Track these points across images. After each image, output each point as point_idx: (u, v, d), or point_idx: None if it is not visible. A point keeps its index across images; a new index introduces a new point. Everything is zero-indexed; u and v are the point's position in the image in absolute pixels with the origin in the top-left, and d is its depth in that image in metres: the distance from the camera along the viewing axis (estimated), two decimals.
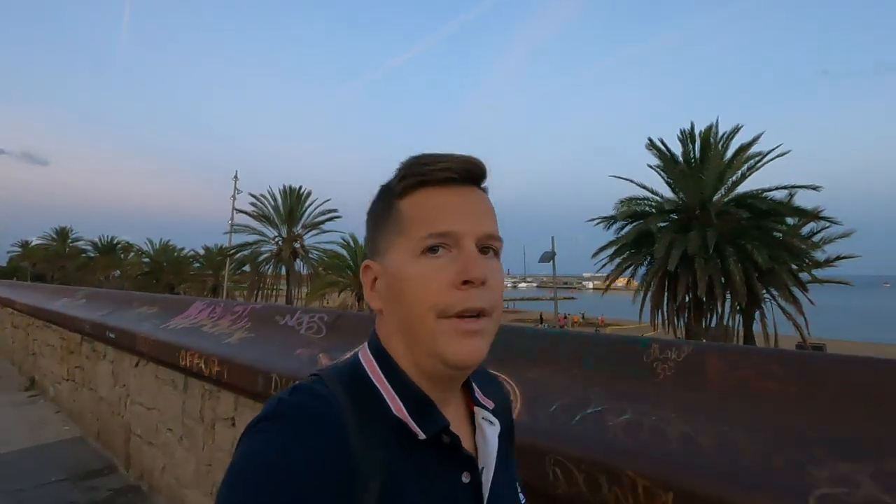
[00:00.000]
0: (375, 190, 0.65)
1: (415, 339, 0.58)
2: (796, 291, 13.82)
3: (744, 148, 14.63)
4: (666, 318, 15.39)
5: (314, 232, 28.07)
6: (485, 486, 0.59)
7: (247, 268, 28.23)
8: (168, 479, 3.08)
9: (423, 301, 0.56)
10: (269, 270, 27.51)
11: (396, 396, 0.58)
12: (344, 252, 25.41)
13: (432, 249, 0.57)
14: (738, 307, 14.93)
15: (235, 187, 30.95)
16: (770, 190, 14.31)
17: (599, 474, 1.06)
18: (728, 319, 15.21)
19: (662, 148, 15.48)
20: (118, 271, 39.94)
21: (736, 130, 14.71)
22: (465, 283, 0.55)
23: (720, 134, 15.12)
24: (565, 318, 44.34)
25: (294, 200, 27.71)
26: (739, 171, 14.80)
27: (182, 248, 38.54)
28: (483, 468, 0.61)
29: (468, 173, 0.60)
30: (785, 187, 14.12)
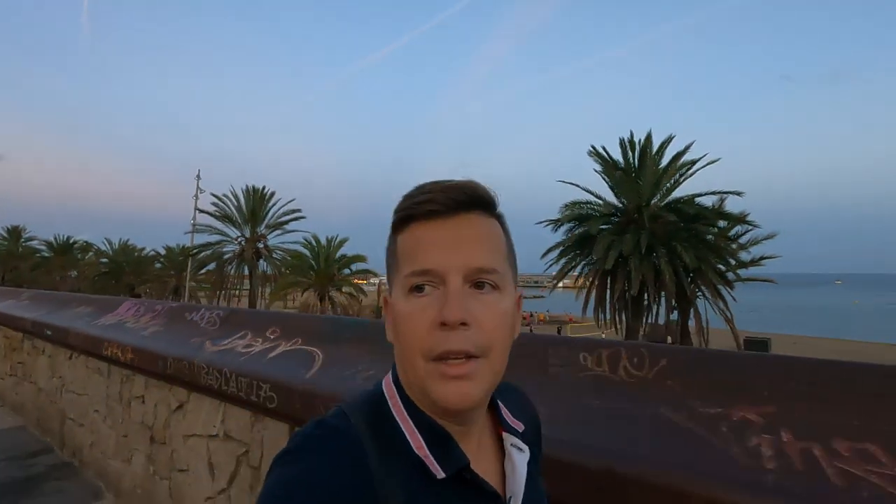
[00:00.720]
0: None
1: (410, 376, 0.57)
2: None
3: (678, 156, 15.78)
4: (608, 315, 16.40)
5: (278, 232, 28.24)
6: None
7: (211, 267, 28.12)
8: (95, 454, 3.58)
9: (410, 341, 0.55)
10: (232, 271, 27.51)
11: (416, 432, 0.57)
12: (307, 252, 25.70)
13: (419, 288, 0.56)
14: (673, 305, 16.06)
15: (198, 186, 30.72)
16: (701, 195, 15.49)
17: None
18: (665, 316, 16.34)
19: (604, 155, 16.48)
20: (75, 272, 38.93)
21: (669, 140, 15.85)
22: (443, 324, 0.53)
23: (660, 142, 16.24)
24: (531, 315, 45.53)
25: (257, 200, 27.76)
26: (675, 178, 15.96)
27: (143, 248, 37.86)
28: (511, 497, 0.60)
29: (456, 203, 0.57)
30: (713, 193, 15.33)
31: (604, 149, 16.44)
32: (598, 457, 1.12)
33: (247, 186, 27.85)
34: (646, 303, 15.86)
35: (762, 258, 16.12)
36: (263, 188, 27.90)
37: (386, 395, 0.61)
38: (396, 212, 0.59)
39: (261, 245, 27.63)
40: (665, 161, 15.81)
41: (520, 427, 0.66)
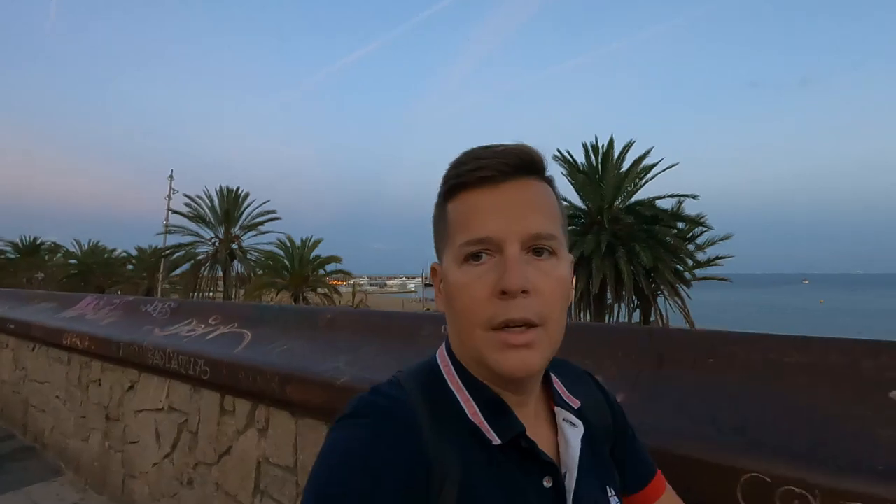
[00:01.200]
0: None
1: (466, 347, 0.57)
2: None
3: (638, 160, 16.49)
4: (572, 313, 17.01)
5: (253, 233, 28.20)
6: (568, 491, 0.57)
7: (186, 268, 27.91)
8: (56, 436, 3.87)
9: (467, 311, 0.55)
10: (206, 272, 27.38)
11: (471, 399, 0.57)
12: (281, 253, 25.77)
13: (475, 256, 0.55)
14: (634, 303, 16.76)
15: (171, 187, 30.51)
16: (660, 198, 16.22)
17: None
18: (627, 314, 17.03)
19: (569, 158, 17.10)
20: (42, 274, 38.01)
21: (630, 145, 16.55)
22: (504, 293, 0.52)
23: (622, 147, 16.95)
24: None
25: (231, 201, 27.68)
26: (635, 181, 16.67)
27: (113, 249, 37.26)
28: (566, 472, 0.59)
29: (510, 167, 0.56)
30: (671, 196, 16.08)
31: (569, 152, 17.09)
32: None
33: (220, 187, 27.76)
34: (609, 301, 16.50)
35: (717, 258, 16.97)
36: (238, 189, 27.85)
37: (440, 364, 0.62)
38: (447, 180, 0.59)
39: (235, 246, 27.58)
40: (626, 165, 16.54)
41: (575, 403, 0.65)
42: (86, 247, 36.91)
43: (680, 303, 15.81)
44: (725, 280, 17.82)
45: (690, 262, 16.26)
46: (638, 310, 17.20)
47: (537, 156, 0.58)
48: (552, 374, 0.67)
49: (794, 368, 1.09)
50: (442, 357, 0.63)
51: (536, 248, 0.55)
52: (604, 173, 16.43)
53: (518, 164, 0.56)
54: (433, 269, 0.64)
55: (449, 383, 0.59)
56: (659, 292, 16.49)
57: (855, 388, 1.00)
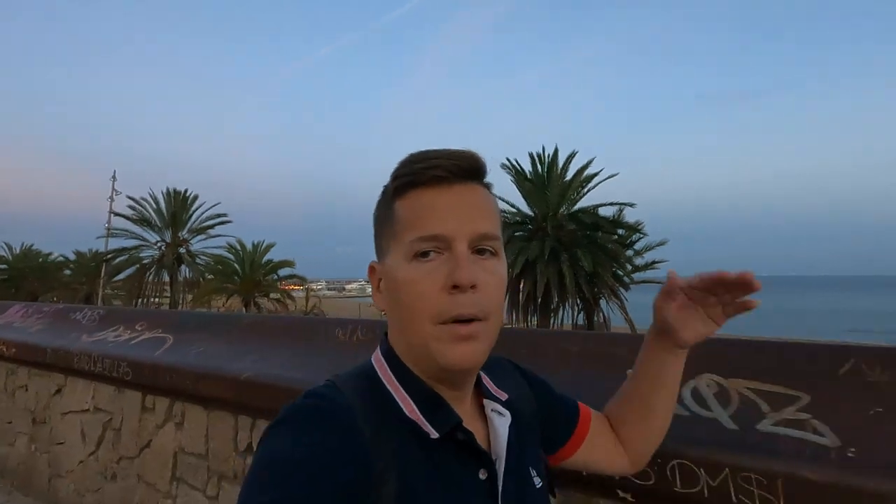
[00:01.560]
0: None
1: (412, 342, 0.59)
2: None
3: (581, 170, 17.38)
4: (519, 315, 17.66)
5: (202, 237, 27.45)
6: (499, 479, 0.60)
7: (130, 271, 26.80)
8: None
9: (415, 306, 0.56)
10: (151, 277, 26.42)
11: (408, 397, 0.59)
12: (231, 257, 25.25)
13: (424, 254, 0.57)
14: (578, 306, 17.60)
15: (113, 188, 29.24)
16: (602, 206, 17.15)
17: None
18: (572, 317, 17.85)
19: (517, 167, 17.80)
20: None
21: (573, 155, 17.43)
22: (455, 287, 0.54)
23: (566, 157, 17.80)
24: None
25: (179, 204, 26.87)
26: (579, 190, 17.55)
27: (49, 254, 35.21)
28: (497, 459, 0.61)
29: (461, 170, 0.59)
30: (612, 204, 17.04)
31: (517, 161, 17.80)
32: None
33: (167, 189, 26.92)
34: (554, 305, 17.26)
35: (654, 263, 18.11)
36: (186, 191, 27.08)
37: (375, 366, 0.63)
38: (397, 177, 0.60)
39: (183, 250, 26.78)
40: (571, 174, 17.40)
41: (503, 396, 0.68)
42: (17, 251, 34.72)
43: (619, 304, 16.74)
44: (661, 283, 18.89)
45: (629, 267, 17.27)
46: (582, 312, 18.08)
47: (483, 163, 0.62)
48: (480, 371, 0.69)
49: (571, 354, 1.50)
50: (377, 359, 0.64)
51: (480, 248, 0.58)
52: (549, 182, 17.21)
53: (469, 168, 0.60)
54: (371, 268, 0.65)
55: (385, 383, 0.61)
56: (601, 295, 17.40)
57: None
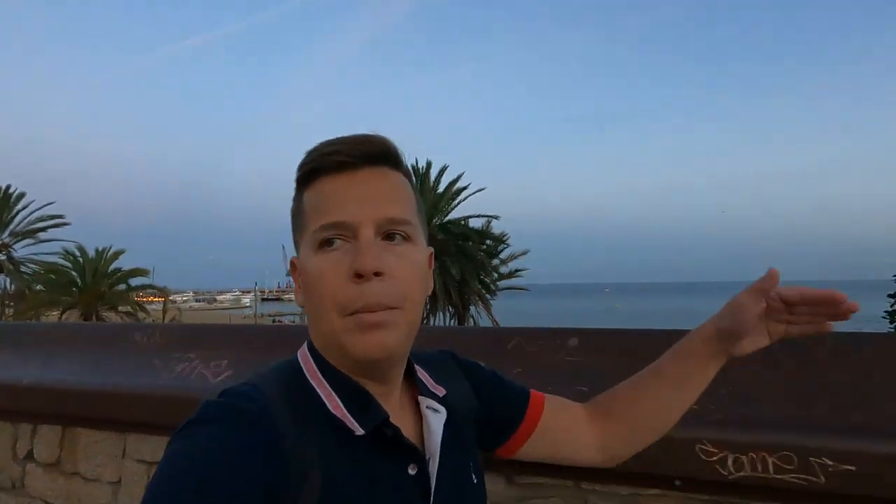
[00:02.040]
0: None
1: (325, 336, 0.57)
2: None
3: (452, 183, 18.46)
4: None
5: (30, 241, 23.52)
6: (432, 476, 0.58)
7: None
8: None
9: (323, 298, 0.54)
10: None
11: (333, 394, 0.56)
12: (68, 265, 22.00)
13: (329, 242, 0.55)
14: (451, 311, 18.55)
15: None
16: (471, 217, 18.35)
17: None
18: (445, 321, 18.71)
19: None
20: None
21: (444, 169, 18.47)
22: (358, 276, 0.52)
23: (438, 170, 18.74)
24: None
25: None
26: (451, 202, 18.59)
27: None
28: (430, 458, 0.59)
29: (366, 155, 0.56)
30: (479, 216, 18.33)
31: None
32: None
33: None
34: (426, 311, 18.00)
35: (517, 271, 19.81)
36: (8, 187, 23.04)
37: (300, 362, 0.60)
38: (302, 166, 0.58)
39: (3, 256, 22.69)
40: (442, 187, 18.37)
41: (440, 392, 0.66)
42: None
43: (485, 308, 18.01)
44: (523, 290, 20.86)
45: (495, 275, 18.67)
46: (454, 318, 19.08)
47: (392, 147, 0.59)
48: (417, 366, 0.67)
49: None
50: (303, 354, 0.62)
51: (390, 232, 0.56)
52: (422, 194, 17.92)
53: (374, 152, 0.57)
54: (292, 264, 0.63)
55: (310, 379, 0.58)
56: (470, 302, 18.54)
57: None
